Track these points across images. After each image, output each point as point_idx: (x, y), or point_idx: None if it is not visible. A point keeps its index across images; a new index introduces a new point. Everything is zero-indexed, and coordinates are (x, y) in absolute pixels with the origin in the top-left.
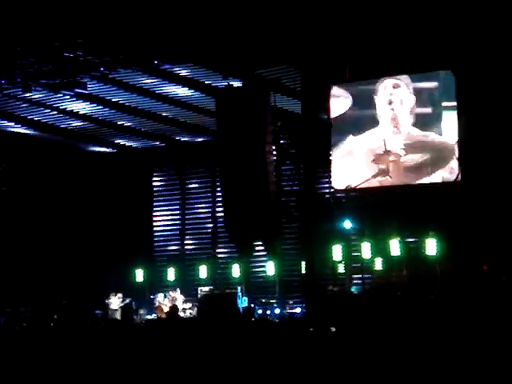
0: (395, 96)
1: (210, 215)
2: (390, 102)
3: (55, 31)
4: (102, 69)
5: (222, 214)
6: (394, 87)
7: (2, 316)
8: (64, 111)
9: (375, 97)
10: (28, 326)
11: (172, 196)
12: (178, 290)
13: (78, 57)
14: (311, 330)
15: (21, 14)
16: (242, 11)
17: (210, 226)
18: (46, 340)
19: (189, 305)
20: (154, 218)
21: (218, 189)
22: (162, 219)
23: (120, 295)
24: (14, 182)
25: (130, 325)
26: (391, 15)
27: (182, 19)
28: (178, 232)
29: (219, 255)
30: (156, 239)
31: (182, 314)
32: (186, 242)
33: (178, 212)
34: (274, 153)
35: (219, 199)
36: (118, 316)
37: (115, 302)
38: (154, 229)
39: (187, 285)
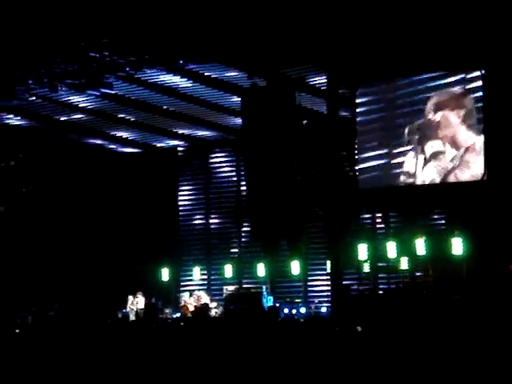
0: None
1: (235, 215)
2: None
3: (81, 31)
4: (127, 69)
5: (247, 213)
6: None
7: (29, 315)
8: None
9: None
10: (54, 325)
11: (198, 195)
12: (204, 290)
13: (104, 57)
14: (337, 329)
15: (47, 15)
16: (267, 11)
17: (236, 225)
18: (71, 338)
19: (214, 304)
20: (181, 218)
21: (244, 188)
22: (188, 219)
23: (139, 295)
24: (40, 181)
25: (155, 323)
26: (418, 14)
27: (207, 19)
28: (203, 231)
29: (245, 254)
30: (182, 238)
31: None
32: (212, 241)
33: (204, 212)
34: (299, 152)
35: (245, 198)
36: (133, 317)
37: (140, 301)
38: (180, 228)
39: (213, 284)
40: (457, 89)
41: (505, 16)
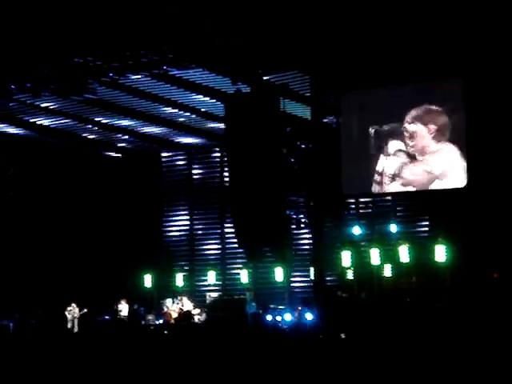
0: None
1: (218, 221)
2: None
3: (64, 37)
4: (111, 74)
5: (231, 220)
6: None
7: (11, 321)
8: (73, 116)
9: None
10: (36, 331)
11: (181, 201)
12: (187, 296)
13: (88, 62)
14: (321, 336)
15: (30, 21)
16: (251, 17)
17: (219, 231)
18: (54, 344)
19: (197, 310)
20: (164, 224)
21: (227, 193)
22: (172, 225)
23: (123, 302)
24: (22, 188)
25: (138, 330)
26: (399, 23)
27: (190, 25)
28: (186, 238)
29: (228, 261)
30: (165, 245)
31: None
32: (195, 247)
33: (187, 218)
34: (284, 158)
35: (229, 204)
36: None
37: (123, 308)
38: (164, 235)
39: (196, 290)
40: (434, 104)
41: (484, 27)
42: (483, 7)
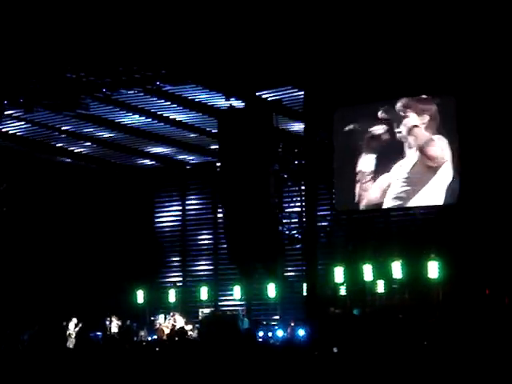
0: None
1: (211, 236)
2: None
3: (57, 52)
4: (104, 90)
5: (223, 236)
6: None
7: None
8: (67, 132)
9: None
10: (28, 348)
11: (174, 217)
12: (179, 312)
13: (80, 78)
14: (316, 353)
15: (23, 36)
16: (244, 32)
17: (212, 247)
18: (46, 361)
19: (189, 326)
20: (156, 240)
21: (220, 210)
22: (164, 241)
23: (114, 318)
24: (14, 202)
25: (130, 346)
26: (394, 39)
27: (184, 40)
28: (178, 254)
29: (220, 277)
30: (157, 261)
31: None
32: (187, 263)
33: (179, 234)
34: (276, 174)
35: (221, 220)
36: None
37: (114, 324)
38: (156, 250)
39: (188, 306)
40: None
41: (478, 43)
42: (474, 23)
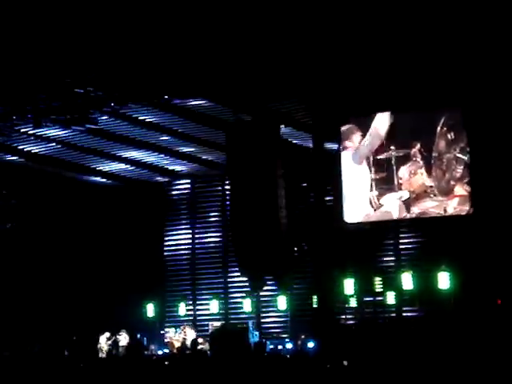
0: None
1: (221, 249)
2: None
3: (66, 67)
4: (112, 104)
5: (232, 248)
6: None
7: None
8: (70, 145)
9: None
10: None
11: (183, 230)
12: (190, 325)
13: (89, 92)
14: (328, 366)
15: (32, 51)
16: (251, 45)
17: (221, 260)
18: (55, 376)
19: (200, 340)
20: (165, 253)
21: (229, 222)
22: (173, 254)
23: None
24: (21, 218)
25: (141, 360)
26: (400, 52)
27: (191, 54)
28: (188, 267)
29: (230, 290)
30: (167, 274)
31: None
32: (197, 277)
33: (189, 247)
34: (285, 186)
35: (230, 233)
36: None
37: (122, 339)
38: (165, 263)
39: (199, 320)
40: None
41: (485, 54)
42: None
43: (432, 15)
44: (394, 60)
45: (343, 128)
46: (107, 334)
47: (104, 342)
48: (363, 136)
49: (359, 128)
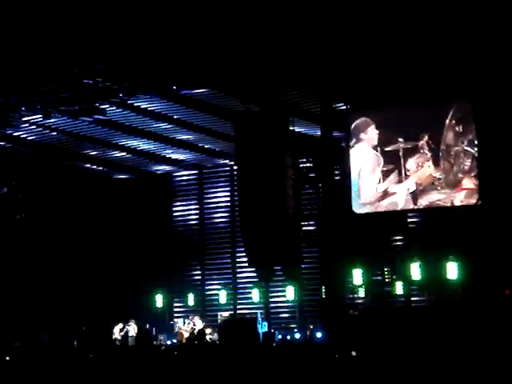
0: None
1: (229, 240)
2: None
3: (74, 58)
4: (121, 95)
5: (241, 239)
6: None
7: (21, 342)
8: (79, 136)
9: None
10: (47, 352)
11: (192, 221)
12: (198, 316)
13: (97, 83)
14: (336, 356)
15: (40, 42)
16: (260, 36)
17: (230, 250)
18: (65, 366)
19: (209, 330)
20: (175, 241)
21: (238, 212)
22: (182, 243)
23: (131, 323)
24: (32, 209)
25: (149, 350)
26: (410, 43)
27: (200, 45)
28: (197, 257)
29: (239, 280)
30: (176, 263)
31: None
32: (206, 267)
33: (197, 237)
34: (293, 177)
35: (239, 223)
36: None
37: (131, 328)
38: (174, 253)
39: (207, 310)
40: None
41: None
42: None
43: (443, 7)
44: (404, 51)
45: (357, 121)
46: (120, 325)
47: (118, 332)
48: (376, 128)
49: (372, 120)
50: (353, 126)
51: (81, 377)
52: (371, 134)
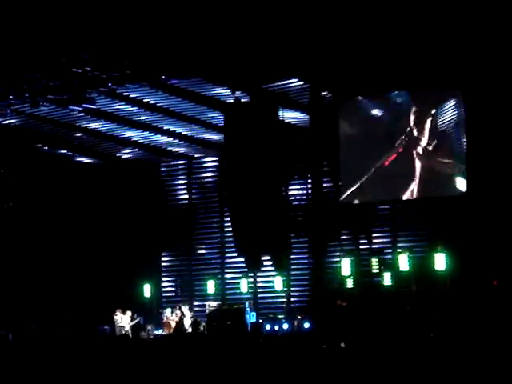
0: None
1: (218, 229)
2: None
3: (63, 47)
4: (109, 84)
5: (230, 228)
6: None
7: (10, 332)
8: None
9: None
10: (35, 342)
11: (180, 206)
12: (186, 306)
13: (86, 72)
14: (324, 346)
15: (28, 30)
16: (249, 26)
17: (219, 240)
18: (52, 355)
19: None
20: (163, 231)
21: (226, 203)
22: (171, 231)
23: (129, 313)
24: (20, 197)
25: (138, 340)
26: (402, 32)
27: (189, 34)
28: (185, 247)
29: (227, 270)
30: (164, 254)
31: (190, 329)
32: (194, 257)
33: (187, 226)
34: (282, 166)
35: (227, 213)
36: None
37: (125, 319)
38: (163, 243)
39: (195, 300)
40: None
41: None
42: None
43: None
44: (395, 41)
45: (341, 107)
46: (129, 313)
47: (127, 320)
48: (361, 115)
49: (356, 107)
50: (340, 112)
51: (69, 366)
52: (358, 121)
